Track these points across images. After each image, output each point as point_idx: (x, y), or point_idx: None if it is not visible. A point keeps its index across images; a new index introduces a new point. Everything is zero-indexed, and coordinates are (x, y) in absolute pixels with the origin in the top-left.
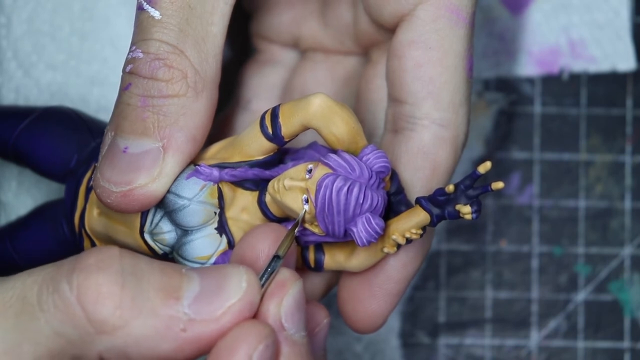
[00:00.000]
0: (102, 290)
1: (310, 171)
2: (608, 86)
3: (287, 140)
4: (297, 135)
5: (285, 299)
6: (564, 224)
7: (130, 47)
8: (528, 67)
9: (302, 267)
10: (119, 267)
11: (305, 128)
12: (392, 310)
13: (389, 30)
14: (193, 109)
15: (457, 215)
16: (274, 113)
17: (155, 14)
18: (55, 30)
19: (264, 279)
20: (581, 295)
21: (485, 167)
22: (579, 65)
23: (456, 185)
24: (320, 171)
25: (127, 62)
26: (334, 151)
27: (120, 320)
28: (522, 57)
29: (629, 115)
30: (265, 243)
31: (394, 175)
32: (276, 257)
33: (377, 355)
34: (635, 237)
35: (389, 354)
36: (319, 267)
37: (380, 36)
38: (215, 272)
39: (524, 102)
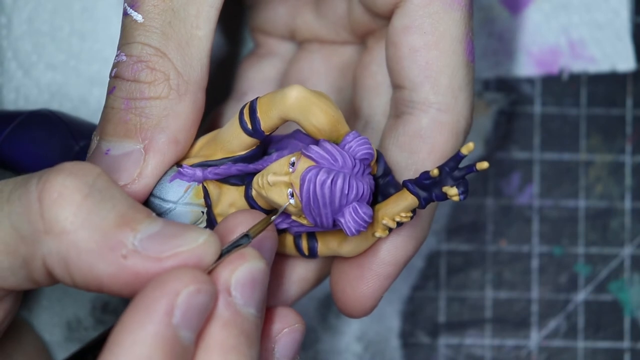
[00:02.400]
0: (64, 192)
1: (293, 164)
2: (608, 86)
3: (267, 134)
4: (277, 128)
5: (240, 268)
6: (564, 224)
7: (116, 52)
8: (528, 67)
9: (297, 256)
10: (91, 180)
11: (284, 121)
12: (381, 294)
13: (383, 17)
14: (175, 111)
15: (444, 197)
16: (252, 108)
17: (138, 17)
18: (55, 30)
19: (226, 250)
20: (581, 295)
21: (468, 148)
22: (578, 66)
23: (440, 168)
24: (303, 164)
25: (113, 66)
26: (316, 141)
27: (70, 226)
28: (521, 57)
29: (629, 115)
30: (244, 226)
31: (380, 157)
32: (245, 236)
33: (377, 355)
34: (635, 237)
35: (389, 354)
36: (313, 254)
37: (375, 24)
38: (180, 225)
39: (524, 102)
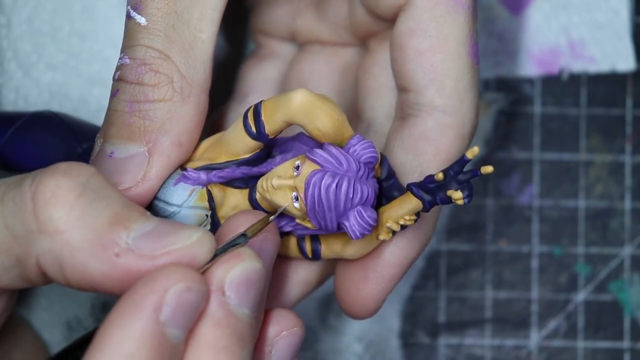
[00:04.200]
0: (57, 192)
1: (297, 168)
2: (608, 86)
3: (271, 137)
4: (281, 132)
5: (235, 268)
6: (564, 224)
7: (120, 55)
8: (528, 67)
9: (300, 258)
10: (84, 179)
11: (289, 124)
12: (385, 296)
13: (386, 20)
14: (179, 114)
15: (449, 200)
16: (257, 111)
17: (142, 20)
18: (55, 30)
19: (222, 249)
20: (581, 295)
21: (473, 152)
22: (578, 66)
23: (445, 172)
24: (308, 168)
25: (116, 69)
26: (320, 144)
27: (64, 225)
28: (522, 57)
29: (629, 115)
30: (246, 227)
31: (384, 160)
32: (242, 235)
33: (377, 355)
34: (635, 237)
35: (389, 354)
36: (316, 256)
37: (377, 26)
38: (175, 223)
39: (524, 102)
